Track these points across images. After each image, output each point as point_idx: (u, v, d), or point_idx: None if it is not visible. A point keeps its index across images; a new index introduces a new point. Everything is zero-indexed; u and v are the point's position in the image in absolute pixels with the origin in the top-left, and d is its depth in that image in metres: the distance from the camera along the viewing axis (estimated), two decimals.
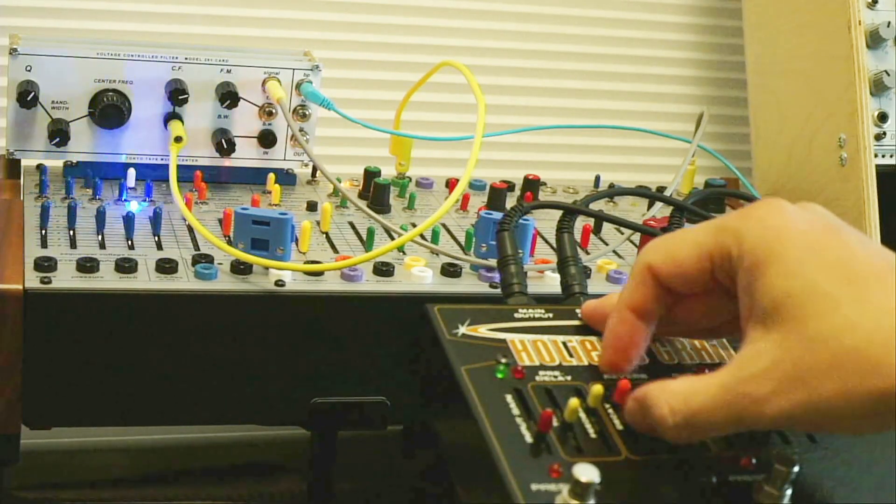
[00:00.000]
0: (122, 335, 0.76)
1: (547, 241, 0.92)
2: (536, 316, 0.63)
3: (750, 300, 0.52)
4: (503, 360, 0.59)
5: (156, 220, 0.84)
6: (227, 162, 0.94)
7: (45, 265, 0.75)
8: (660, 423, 0.53)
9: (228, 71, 0.92)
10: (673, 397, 0.53)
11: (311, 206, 0.93)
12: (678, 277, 0.55)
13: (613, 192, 1.01)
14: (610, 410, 0.58)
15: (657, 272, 0.56)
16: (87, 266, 0.76)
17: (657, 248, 0.56)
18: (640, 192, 0.96)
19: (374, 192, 0.94)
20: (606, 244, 0.93)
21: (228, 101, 0.91)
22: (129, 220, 0.82)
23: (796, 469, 0.53)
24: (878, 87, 1.06)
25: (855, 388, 0.47)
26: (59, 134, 0.88)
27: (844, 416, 0.49)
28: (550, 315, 0.64)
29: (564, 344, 0.62)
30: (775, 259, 0.50)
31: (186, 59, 0.91)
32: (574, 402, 0.56)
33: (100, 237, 0.82)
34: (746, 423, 0.51)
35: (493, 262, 0.79)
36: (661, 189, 1.05)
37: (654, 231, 0.83)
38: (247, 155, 0.95)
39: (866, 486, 0.57)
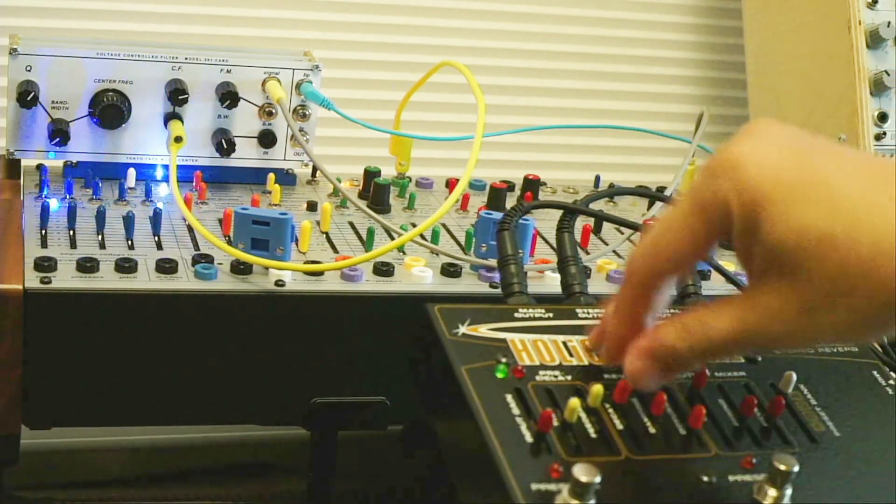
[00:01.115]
0: (122, 335, 0.76)
1: (547, 241, 0.92)
2: (536, 316, 0.63)
3: (748, 254, 0.51)
4: (503, 360, 0.59)
5: (156, 220, 0.84)
6: (227, 162, 0.94)
7: (45, 265, 0.75)
8: (676, 356, 0.54)
9: (228, 71, 0.92)
10: (690, 335, 0.53)
11: (311, 206, 0.93)
12: (679, 270, 0.55)
13: (613, 192, 1.01)
14: (610, 410, 0.58)
15: (657, 280, 0.55)
16: (87, 266, 0.76)
17: (646, 249, 0.55)
18: (640, 192, 0.96)
19: (374, 192, 0.94)
20: (606, 244, 0.93)
21: (228, 101, 0.91)
22: (129, 221, 0.82)
23: (796, 469, 0.53)
24: (878, 87, 1.06)
25: (864, 308, 0.48)
26: (59, 134, 0.88)
27: (851, 332, 0.50)
28: (550, 315, 0.64)
29: (564, 344, 0.62)
30: (763, 218, 0.49)
31: (186, 59, 0.91)
32: (574, 401, 0.56)
33: (100, 237, 0.82)
34: (758, 351, 0.59)
35: (493, 262, 0.79)
36: (661, 189, 1.05)
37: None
38: (247, 155, 0.95)
39: (866, 486, 0.57)
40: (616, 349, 0.58)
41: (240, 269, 0.78)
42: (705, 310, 0.53)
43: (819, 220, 0.48)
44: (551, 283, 0.83)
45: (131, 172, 0.92)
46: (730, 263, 0.91)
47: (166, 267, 0.77)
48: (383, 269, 0.81)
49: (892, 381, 0.65)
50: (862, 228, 0.47)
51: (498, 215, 0.79)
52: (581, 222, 0.93)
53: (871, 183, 0.48)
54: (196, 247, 0.83)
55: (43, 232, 0.81)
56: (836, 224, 0.48)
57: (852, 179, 0.49)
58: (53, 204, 0.85)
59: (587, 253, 0.91)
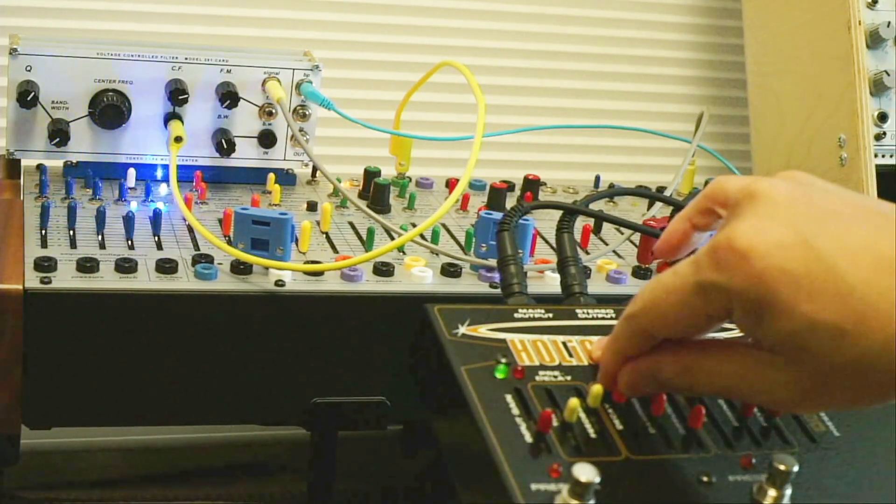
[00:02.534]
0: (122, 335, 0.76)
1: (547, 241, 0.92)
2: (536, 316, 0.63)
3: (753, 335, 0.51)
4: (503, 360, 0.59)
5: (156, 220, 0.84)
6: (227, 162, 0.94)
7: (45, 265, 0.75)
8: (671, 388, 0.55)
9: (228, 71, 0.92)
10: (691, 378, 0.53)
11: (311, 206, 0.93)
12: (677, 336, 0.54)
13: (613, 192, 1.01)
14: (610, 410, 0.58)
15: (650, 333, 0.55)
16: (87, 266, 0.76)
17: (646, 309, 0.54)
18: (640, 192, 0.96)
19: (374, 192, 0.94)
20: (606, 244, 0.93)
21: (228, 101, 0.91)
22: (129, 221, 0.82)
23: (796, 469, 0.53)
24: (878, 87, 1.06)
25: (871, 392, 0.49)
26: (59, 134, 0.88)
27: (853, 406, 0.51)
28: (550, 315, 0.64)
29: (564, 344, 0.62)
30: (769, 311, 0.49)
31: (186, 59, 0.91)
32: (574, 402, 0.56)
33: (100, 237, 0.82)
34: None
35: (493, 262, 0.79)
36: (661, 189, 1.05)
37: (655, 231, 0.83)
38: (247, 155, 0.95)
39: (866, 486, 0.57)
40: (609, 379, 0.57)
41: (240, 269, 0.78)
42: (709, 356, 0.53)
43: (827, 313, 0.47)
44: (551, 283, 0.83)
45: (131, 172, 0.92)
46: None
47: (166, 267, 0.77)
48: (383, 269, 0.81)
49: None
50: (870, 319, 0.47)
51: (498, 215, 0.79)
52: (581, 222, 0.93)
53: (877, 266, 0.48)
54: (196, 247, 0.83)
55: (43, 232, 0.81)
56: (845, 317, 0.47)
57: (859, 265, 0.48)
58: (59, 205, 0.85)
59: (587, 253, 0.91)
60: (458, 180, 0.91)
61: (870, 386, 0.48)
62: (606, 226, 0.96)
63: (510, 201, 0.99)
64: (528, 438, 0.55)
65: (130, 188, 0.91)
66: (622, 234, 0.94)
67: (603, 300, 0.68)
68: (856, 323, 0.47)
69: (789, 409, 0.57)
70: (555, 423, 0.55)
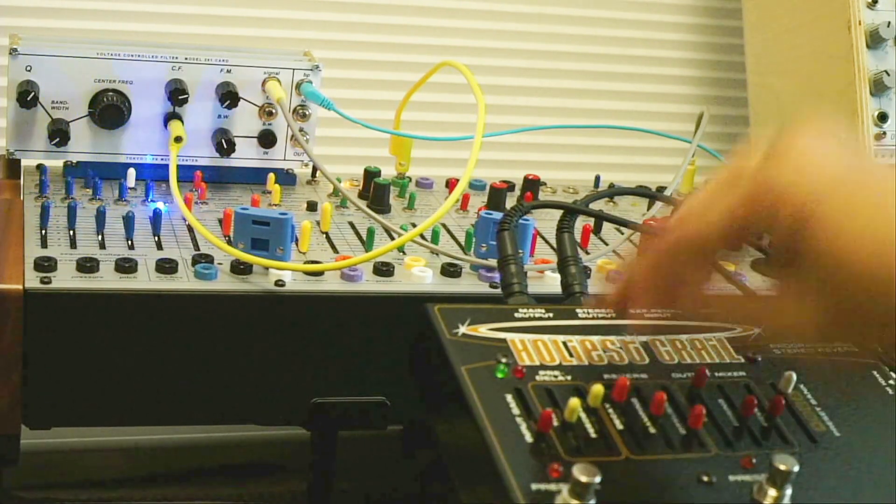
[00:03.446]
0: (122, 335, 0.76)
1: (547, 241, 0.92)
2: (536, 316, 0.63)
3: (788, 253, 0.50)
4: (503, 360, 0.59)
5: (156, 220, 0.84)
6: (227, 162, 0.94)
7: (45, 265, 0.75)
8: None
9: (228, 71, 0.92)
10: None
11: (311, 206, 0.93)
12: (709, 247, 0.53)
13: (613, 192, 1.01)
14: (610, 410, 0.58)
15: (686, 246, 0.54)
16: (87, 266, 0.76)
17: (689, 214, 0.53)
18: (640, 192, 0.96)
19: (374, 192, 0.94)
20: (606, 244, 0.93)
21: (228, 101, 0.91)
22: (129, 221, 0.82)
23: (796, 469, 0.53)
24: (878, 87, 1.06)
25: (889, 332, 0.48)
26: (59, 134, 0.88)
27: (876, 341, 0.52)
28: (550, 315, 0.64)
29: (564, 344, 0.62)
30: (815, 223, 0.48)
31: (186, 59, 0.91)
32: (574, 402, 0.56)
33: (100, 237, 0.82)
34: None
35: (493, 262, 0.79)
36: (661, 189, 1.05)
37: (655, 231, 0.82)
38: (247, 155, 0.95)
39: (866, 486, 0.57)
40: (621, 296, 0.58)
41: (240, 269, 0.78)
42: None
43: (875, 233, 0.46)
44: (551, 283, 0.83)
45: (131, 172, 0.92)
46: (729, 264, 0.91)
47: (166, 267, 0.77)
48: (383, 269, 0.81)
49: (892, 381, 0.65)
50: None
51: (498, 215, 0.79)
52: (581, 222, 0.93)
53: None
54: (196, 247, 0.83)
55: (43, 232, 0.81)
56: (889, 240, 0.46)
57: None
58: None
59: (587, 253, 0.91)
60: (458, 180, 0.91)
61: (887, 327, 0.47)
62: (606, 226, 0.96)
63: (510, 201, 0.99)
64: (529, 438, 0.55)
65: (130, 188, 0.91)
66: (622, 234, 0.94)
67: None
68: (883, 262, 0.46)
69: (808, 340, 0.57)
70: (555, 422, 0.55)
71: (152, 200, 0.90)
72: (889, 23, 1.06)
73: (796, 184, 0.48)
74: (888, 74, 1.05)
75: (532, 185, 1.02)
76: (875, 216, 0.47)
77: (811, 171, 0.48)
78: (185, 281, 0.77)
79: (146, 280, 0.76)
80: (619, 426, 0.57)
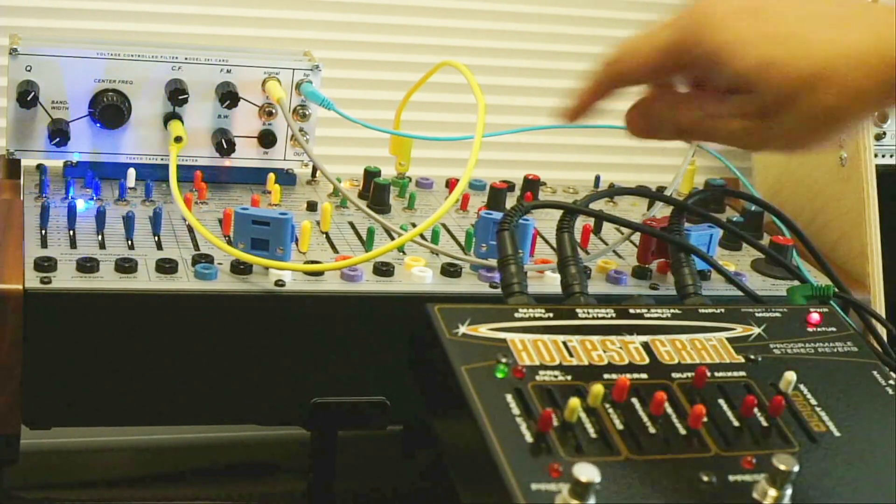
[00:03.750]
0: (122, 335, 0.76)
1: (547, 241, 0.92)
2: (536, 316, 0.63)
3: (707, 78, 0.62)
4: (503, 360, 0.59)
5: (156, 220, 0.84)
6: (227, 162, 0.94)
7: (45, 265, 0.75)
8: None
9: (228, 71, 0.92)
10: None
11: (311, 206, 0.93)
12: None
13: (613, 192, 1.01)
14: (610, 410, 0.58)
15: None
16: (87, 266, 0.76)
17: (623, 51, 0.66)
18: (640, 192, 0.96)
19: (374, 192, 0.94)
20: (606, 244, 0.93)
21: (228, 101, 0.91)
22: (129, 221, 0.82)
23: (796, 469, 0.53)
24: None
25: (805, 118, 0.58)
26: (59, 134, 0.88)
27: (797, 139, 0.60)
28: (550, 315, 0.64)
29: (564, 344, 0.62)
30: (723, 53, 0.59)
31: (186, 59, 0.91)
32: (574, 401, 0.56)
33: (100, 237, 0.82)
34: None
35: (493, 262, 0.79)
36: (661, 189, 1.05)
37: (655, 231, 0.83)
38: (247, 155, 0.95)
39: (866, 486, 0.57)
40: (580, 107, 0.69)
41: (240, 269, 0.78)
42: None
43: (770, 50, 0.58)
44: (551, 283, 0.83)
45: (131, 172, 0.92)
46: (729, 263, 0.91)
47: (166, 267, 0.77)
48: (383, 269, 0.81)
49: (892, 381, 0.66)
50: (801, 54, 0.57)
51: (498, 215, 0.79)
52: (581, 222, 0.93)
53: (809, 15, 0.58)
54: (196, 247, 0.83)
55: (43, 232, 0.81)
56: (780, 52, 0.58)
57: (797, 16, 0.58)
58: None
59: (587, 253, 0.91)
60: (458, 180, 0.91)
61: (803, 113, 0.58)
62: (606, 226, 0.96)
63: (510, 201, 0.99)
64: (529, 438, 0.55)
65: (130, 188, 0.91)
66: (622, 234, 0.94)
67: (603, 300, 0.68)
68: (789, 56, 0.58)
69: (742, 142, 0.63)
70: (555, 422, 0.55)
71: (152, 200, 0.90)
72: None
73: (707, 23, 0.61)
74: None
75: (532, 185, 1.02)
76: (772, 26, 0.58)
77: (716, 12, 0.60)
78: (185, 281, 0.77)
79: (146, 280, 0.76)
80: (619, 426, 0.57)
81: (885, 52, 0.56)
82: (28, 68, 0.88)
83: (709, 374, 0.62)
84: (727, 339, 0.66)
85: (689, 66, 0.63)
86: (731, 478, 0.55)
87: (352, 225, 0.91)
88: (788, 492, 0.53)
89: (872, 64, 0.56)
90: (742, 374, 0.63)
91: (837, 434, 0.60)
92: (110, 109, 0.89)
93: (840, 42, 0.57)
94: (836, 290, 0.77)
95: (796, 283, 0.83)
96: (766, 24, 0.59)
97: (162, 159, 0.93)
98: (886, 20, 0.57)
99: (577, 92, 0.69)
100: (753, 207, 0.98)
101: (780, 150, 0.63)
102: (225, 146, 0.92)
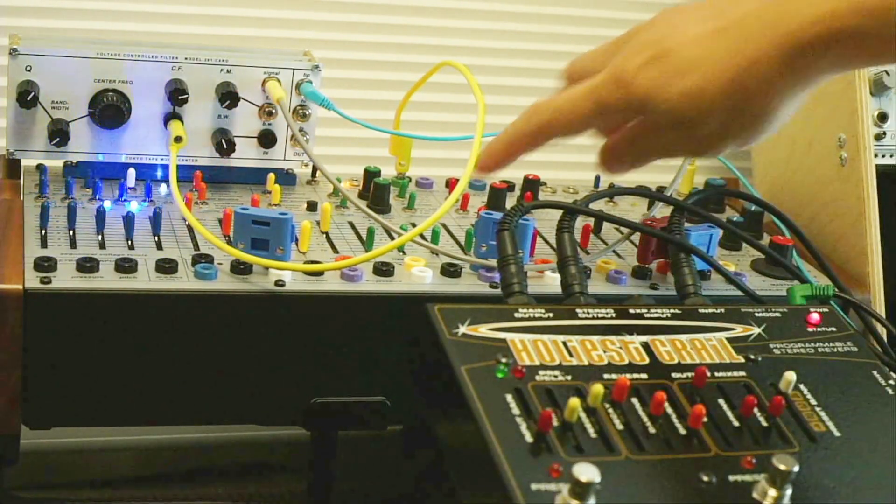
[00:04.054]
0: (122, 335, 0.76)
1: (547, 241, 0.92)
2: (536, 316, 0.63)
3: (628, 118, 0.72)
4: (503, 360, 0.59)
5: (156, 220, 0.84)
6: (227, 162, 0.94)
7: (45, 265, 0.75)
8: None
9: (228, 71, 0.92)
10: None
11: (311, 206, 0.93)
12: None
13: (613, 192, 1.01)
14: (610, 410, 0.58)
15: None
16: (87, 266, 0.76)
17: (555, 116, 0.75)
18: (640, 192, 0.96)
19: (374, 192, 0.94)
20: (606, 244, 0.93)
21: (228, 101, 0.91)
22: (129, 220, 0.82)
23: (796, 469, 0.53)
24: (878, 87, 1.06)
25: (699, 134, 0.69)
26: (59, 134, 0.88)
27: (704, 147, 0.70)
28: (550, 315, 0.64)
29: (564, 344, 0.62)
30: (647, 103, 0.69)
31: (186, 59, 0.91)
32: (574, 401, 0.56)
33: (100, 237, 0.82)
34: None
35: (493, 262, 0.79)
36: (661, 189, 1.05)
37: (655, 231, 0.83)
38: (247, 155, 0.95)
39: (866, 486, 0.57)
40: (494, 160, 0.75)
41: (240, 269, 0.78)
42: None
43: (681, 96, 0.67)
44: (551, 283, 0.83)
45: (131, 172, 0.92)
46: (729, 263, 0.91)
47: (166, 267, 0.77)
48: (383, 269, 0.81)
49: (892, 381, 0.66)
50: (705, 91, 0.67)
51: (498, 215, 0.79)
52: (581, 222, 0.93)
53: (705, 43, 0.68)
54: (196, 247, 0.83)
55: (43, 232, 0.81)
56: (689, 96, 0.67)
57: (693, 50, 0.68)
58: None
59: (587, 253, 0.91)
60: (458, 180, 0.91)
61: (700, 130, 0.68)
62: (606, 225, 0.96)
63: (510, 201, 0.99)
64: (529, 438, 0.55)
65: (130, 188, 0.91)
66: (622, 233, 0.94)
67: (603, 300, 0.68)
68: (696, 86, 0.67)
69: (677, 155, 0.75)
70: (555, 422, 0.55)
71: (152, 200, 0.90)
72: None
73: (623, 82, 0.70)
74: (888, 74, 1.05)
75: (532, 185, 1.02)
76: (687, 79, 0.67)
77: (627, 70, 0.70)
78: (185, 281, 0.77)
79: (146, 280, 0.76)
80: (619, 426, 0.57)
81: (754, 54, 0.66)
82: (28, 68, 0.88)
83: (709, 374, 0.62)
84: (727, 339, 0.66)
85: (620, 115, 0.72)
86: (731, 478, 0.55)
87: (352, 225, 0.91)
88: (788, 492, 0.53)
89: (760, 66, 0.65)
90: (742, 374, 0.63)
91: (837, 434, 0.60)
92: (110, 109, 0.89)
93: (739, 56, 0.66)
94: (836, 290, 0.77)
95: (796, 283, 0.83)
96: (670, 64, 0.68)
97: (162, 159, 0.93)
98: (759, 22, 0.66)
99: (501, 145, 0.75)
100: (753, 207, 0.98)
101: (728, 148, 0.72)
102: (225, 146, 0.92)
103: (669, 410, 0.59)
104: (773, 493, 0.53)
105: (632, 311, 0.66)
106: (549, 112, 0.75)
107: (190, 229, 0.85)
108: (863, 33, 0.64)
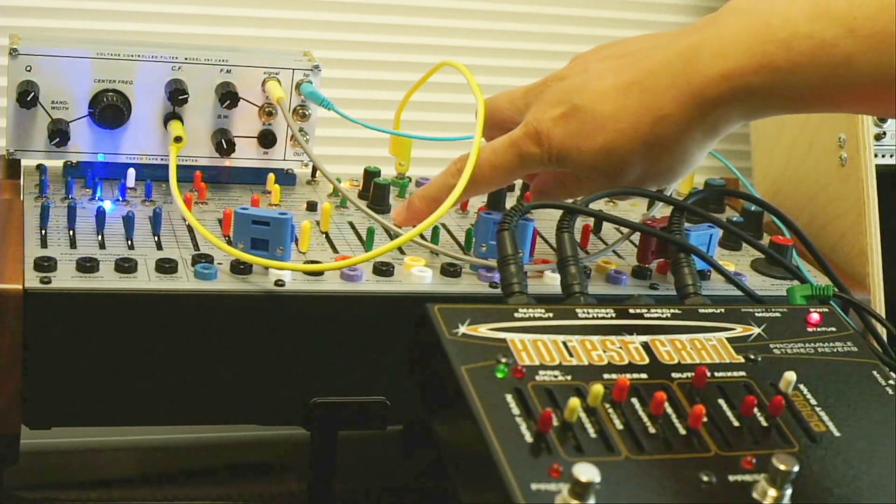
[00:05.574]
0: (122, 335, 0.76)
1: (547, 241, 0.92)
2: (536, 316, 0.64)
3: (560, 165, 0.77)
4: (503, 360, 0.59)
5: (156, 220, 0.84)
6: (227, 162, 0.94)
7: (45, 265, 0.75)
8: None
9: (228, 71, 0.92)
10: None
11: (311, 206, 0.93)
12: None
13: (613, 192, 1.01)
14: (610, 410, 0.58)
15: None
16: (87, 266, 0.76)
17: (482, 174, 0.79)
18: (640, 192, 0.96)
19: (374, 192, 0.94)
20: (606, 244, 0.93)
21: (228, 101, 0.91)
22: (129, 221, 0.82)
23: (796, 469, 0.53)
24: None
25: (614, 178, 0.78)
26: (59, 134, 0.88)
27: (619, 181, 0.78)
28: (550, 315, 0.64)
29: (564, 344, 0.62)
30: (566, 157, 0.76)
31: (186, 59, 0.91)
32: (574, 401, 0.56)
33: (100, 237, 0.82)
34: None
35: (493, 262, 0.79)
36: (661, 189, 1.05)
37: (654, 231, 0.83)
38: (247, 155, 0.95)
39: (866, 486, 0.57)
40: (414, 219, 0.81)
41: (240, 269, 0.78)
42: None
43: (596, 145, 0.73)
44: (551, 283, 0.83)
45: (131, 172, 0.92)
46: (729, 263, 0.91)
47: (166, 267, 0.77)
48: (383, 269, 0.81)
49: (892, 381, 0.66)
50: (619, 141, 0.73)
51: (498, 215, 0.79)
52: (581, 222, 0.93)
53: (617, 97, 0.72)
54: (196, 247, 0.83)
55: (43, 232, 0.81)
56: (605, 145, 0.74)
57: (605, 103, 0.73)
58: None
59: (587, 253, 0.91)
60: None
61: (611, 179, 0.76)
62: (606, 225, 0.96)
63: (510, 201, 0.99)
64: (529, 438, 0.55)
65: (130, 188, 0.91)
66: (622, 233, 0.94)
67: (603, 300, 0.68)
68: (611, 142, 0.72)
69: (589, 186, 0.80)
70: (555, 422, 0.55)
71: (152, 200, 0.90)
72: None
73: (542, 139, 0.75)
74: None
75: None
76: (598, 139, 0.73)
77: (542, 128, 0.76)
78: (185, 281, 0.77)
79: (146, 280, 0.76)
80: (619, 426, 0.57)
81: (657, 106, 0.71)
82: (28, 68, 0.88)
83: (709, 374, 0.62)
84: (727, 339, 0.66)
85: (543, 167, 0.77)
86: (731, 478, 0.55)
87: (352, 225, 0.91)
88: (788, 492, 0.53)
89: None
90: (742, 374, 0.63)
91: (837, 434, 0.60)
92: (110, 109, 0.89)
93: (650, 113, 0.70)
94: (836, 290, 0.77)
95: (796, 283, 0.83)
96: (582, 122, 0.72)
97: (162, 159, 0.93)
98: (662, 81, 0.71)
99: (425, 202, 0.82)
100: (753, 207, 0.98)
101: (654, 187, 0.79)
102: (225, 146, 0.92)
103: (669, 410, 0.59)
104: (773, 493, 0.53)
105: (632, 311, 0.66)
106: (473, 167, 0.78)
107: (190, 229, 0.85)
108: (768, 89, 0.65)
